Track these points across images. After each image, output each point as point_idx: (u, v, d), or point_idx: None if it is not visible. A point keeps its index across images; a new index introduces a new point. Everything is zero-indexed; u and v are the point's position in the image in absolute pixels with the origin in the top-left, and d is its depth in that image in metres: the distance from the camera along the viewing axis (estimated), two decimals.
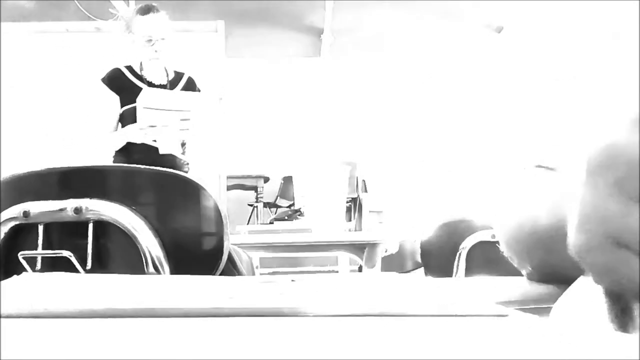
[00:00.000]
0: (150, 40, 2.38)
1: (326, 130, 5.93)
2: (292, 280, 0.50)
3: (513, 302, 0.55)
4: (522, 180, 0.60)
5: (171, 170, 1.10)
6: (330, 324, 0.31)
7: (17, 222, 0.99)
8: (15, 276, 0.50)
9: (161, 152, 2.28)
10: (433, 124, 5.87)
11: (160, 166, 2.28)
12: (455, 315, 0.34)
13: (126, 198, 1.00)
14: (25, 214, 0.98)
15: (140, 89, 2.35)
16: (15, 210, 0.99)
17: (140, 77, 2.45)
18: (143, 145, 2.28)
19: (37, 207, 0.99)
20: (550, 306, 0.52)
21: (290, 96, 5.97)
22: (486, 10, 4.98)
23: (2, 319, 0.31)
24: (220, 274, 1.01)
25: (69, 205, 0.98)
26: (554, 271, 0.46)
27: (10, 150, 4.23)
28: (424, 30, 5.44)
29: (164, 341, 0.26)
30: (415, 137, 5.88)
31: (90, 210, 0.98)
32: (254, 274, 1.38)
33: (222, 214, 1.02)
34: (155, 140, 2.28)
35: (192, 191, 1.04)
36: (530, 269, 0.58)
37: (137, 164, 2.19)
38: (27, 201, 1.00)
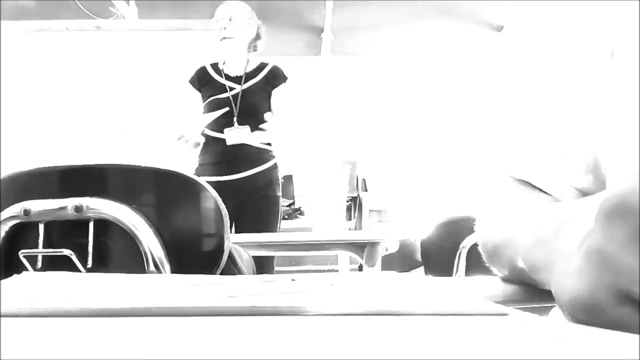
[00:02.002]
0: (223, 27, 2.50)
1: (326, 129, 5.93)
2: (292, 279, 0.50)
3: (513, 301, 0.55)
4: (505, 191, 0.60)
5: (172, 168, 1.10)
6: (331, 323, 0.31)
7: (18, 221, 0.99)
8: (15, 275, 0.50)
9: (229, 143, 2.41)
10: (433, 123, 5.87)
11: (244, 158, 2.37)
12: (456, 314, 0.34)
13: (127, 196, 1.00)
14: (26, 212, 0.98)
15: (218, 82, 2.52)
16: (16, 208, 0.99)
17: (220, 72, 2.55)
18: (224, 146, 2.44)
19: (38, 206, 0.99)
20: (550, 305, 0.51)
21: (290, 95, 5.97)
22: (486, 9, 4.98)
23: (2, 318, 0.31)
24: (221, 273, 1.01)
25: (70, 203, 0.98)
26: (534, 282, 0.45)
27: (11, 149, 4.23)
28: (424, 30, 5.43)
29: (164, 340, 0.26)
30: (416, 136, 5.88)
31: (91, 208, 0.98)
32: (254, 272, 1.38)
33: (223, 213, 1.02)
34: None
35: (193, 190, 1.04)
36: (510, 277, 0.58)
37: (222, 159, 2.39)
38: (27, 199, 1.00)
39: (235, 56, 2.54)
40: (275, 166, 2.56)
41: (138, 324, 0.31)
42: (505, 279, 0.59)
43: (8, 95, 4.42)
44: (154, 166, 1.06)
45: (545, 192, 0.57)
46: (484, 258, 0.61)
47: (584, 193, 0.56)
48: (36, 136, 4.40)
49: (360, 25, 5.38)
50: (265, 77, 2.56)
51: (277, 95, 2.55)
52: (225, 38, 2.49)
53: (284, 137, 2.55)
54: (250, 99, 2.51)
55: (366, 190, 5.21)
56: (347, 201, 4.37)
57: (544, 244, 0.42)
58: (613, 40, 0.53)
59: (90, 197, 0.99)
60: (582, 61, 0.56)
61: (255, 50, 2.64)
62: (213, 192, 1.03)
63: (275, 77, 2.57)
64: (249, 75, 2.55)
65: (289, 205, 5.09)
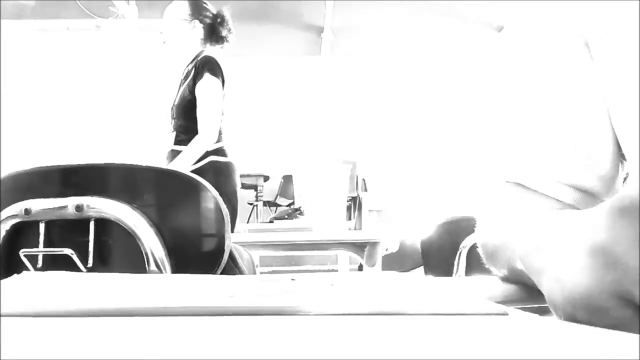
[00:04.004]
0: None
1: (326, 129, 5.93)
2: (292, 279, 0.50)
3: (513, 301, 0.55)
4: (504, 193, 0.60)
5: (172, 168, 1.10)
6: (331, 323, 0.31)
7: (18, 220, 0.99)
8: (15, 275, 0.50)
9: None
10: (433, 122, 5.87)
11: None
12: (456, 314, 0.34)
13: (128, 196, 1.00)
14: (27, 211, 0.98)
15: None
16: (17, 207, 0.99)
17: None
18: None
19: (38, 205, 0.99)
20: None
21: (290, 95, 5.97)
22: (486, 9, 4.98)
23: (2, 318, 0.31)
24: (222, 272, 1.01)
25: (70, 202, 0.98)
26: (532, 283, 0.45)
27: (11, 148, 4.23)
28: (424, 29, 5.43)
29: (164, 340, 0.26)
30: (416, 136, 5.88)
31: (92, 208, 0.98)
32: (255, 272, 1.39)
33: (224, 213, 1.02)
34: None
35: (193, 189, 1.04)
36: (509, 277, 0.58)
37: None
38: (28, 199, 1.00)
39: (180, 58, 2.44)
40: (208, 168, 2.34)
41: (139, 323, 0.31)
42: (505, 279, 0.59)
43: (8, 95, 4.42)
44: (155, 165, 1.07)
45: (543, 195, 0.57)
46: (483, 259, 0.61)
47: (587, 192, 0.56)
48: (37, 136, 4.40)
49: (360, 25, 5.38)
50: (194, 72, 2.35)
51: (197, 89, 2.32)
52: (164, 42, 2.43)
53: (205, 136, 2.30)
54: (180, 101, 2.37)
55: (366, 190, 5.21)
56: (347, 201, 4.37)
57: (542, 247, 0.42)
58: (587, 32, 0.53)
59: (91, 196, 0.99)
60: (562, 55, 0.55)
61: (216, 44, 2.48)
62: (214, 192, 1.03)
63: (200, 70, 2.33)
64: (186, 76, 2.40)
65: (288, 205, 5.09)
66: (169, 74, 2.62)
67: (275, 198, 5.57)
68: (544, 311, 0.39)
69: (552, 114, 0.56)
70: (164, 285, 0.48)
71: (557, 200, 0.56)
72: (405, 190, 5.68)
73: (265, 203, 5.45)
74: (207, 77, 2.31)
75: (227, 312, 0.33)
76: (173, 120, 2.39)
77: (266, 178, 5.42)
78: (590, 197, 0.56)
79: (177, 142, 2.35)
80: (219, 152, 2.39)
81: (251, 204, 5.38)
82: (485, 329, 0.30)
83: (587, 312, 0.33)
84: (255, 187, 5.32)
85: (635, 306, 0.31)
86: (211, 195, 1.02)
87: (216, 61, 2.36)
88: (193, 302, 0.37)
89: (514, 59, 0.61)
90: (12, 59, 4.46)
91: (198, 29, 2.42)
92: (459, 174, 5.57)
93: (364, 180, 5.25)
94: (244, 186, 5.35)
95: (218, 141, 2.38)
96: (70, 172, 1.07)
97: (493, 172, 0.62)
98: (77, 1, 4.67)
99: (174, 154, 2.34)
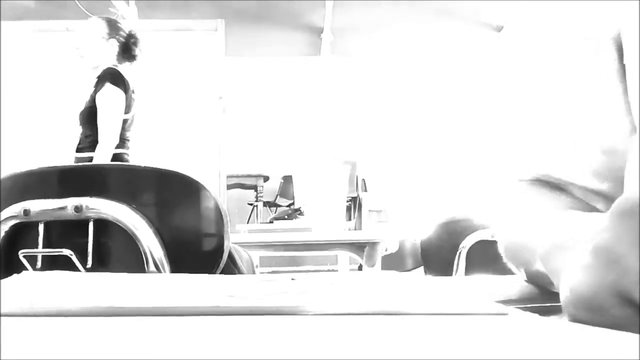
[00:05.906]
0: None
1: (326, 129, 5.93)
2: (292, 279, 0.50)
3: (513, 300, 0.55)
4: (522, 191, 0.59)
5: (172, 169, 1.10)
6: (331, 323, 0.31)
7: (18, 221, 0.99)
8: (15, 275, 0.50)
9: None
10: (433, 123, 5.87)
11: None
12: (456, 314, 0.34)
13: (127, 196, 1.00)
14: (26, 212, 0.98)
15: None
16: (16, 208, 0.99)
17: None
18: None
19: (38, 206, 0.99)
20: (550, 305, 0.51)
21: (290, 95, 5.97)
22: (486, 9, 4.98)
23: (2, 318, 0.31)
24: (221, 273, 1.01)
25: (70, 203, 0.98)
26: (551, 283, 0.45)
27: (10, 149, 4.23)
28: (424, 30, 5.43)
29: (164, 340, 0.26)
30: (415, 136, 5.88)
31: (91, 208, 0.98)
32: (254, 272, 1.39)
33: (223, 213, 1.02)
34: None
35: (192, 190, 1.04)
36: (527, 278, 0.57)
37: None
38: (27, 199, 1.00)
39: (93, 72, 2.58)
40: None
41: (138, 323, 0.31)
42: (524, 279, 0.58)
43: (8, 96, 4.42)
44: (154, 166, 1.06)
45: (562, 192, 0.56)
46: (504, 257, 0.60)
47: (601, 176, 0.55)
48: (36, 136, 4.40)
49: (360, 25, 5.38)
50: (96, 82, 2.54)
51: (98, 98, 2.52)
52: (81, 57, 2.59)
53: (104, 143, 2.47)
54: (82, 109, 2.56)
55: (366, 190, 5.20)
56: (347, 201, 4.37)
57: (563, 249, 0.42)
58: (615, 29, 0.53)
59: (90, 197, 0.99)
60: (583, 52, 0.55)
61: (128, 62, 2.66)
62: (213, 192, 1.03)
63: (101, 80, 2.53)
64: (92, 85, 2.57)
65: (288, 206, 5.09)
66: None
67: (275, 198, 5.56)
68: (544, 311, 0.39)
69: (572, 108, 0.56)
70: (163, 285, 0.48)
71: (577, 196, 0.55)
72: (405, 191, 5.67)
73: (265, 203, 5.44)
74: (108, 86, 2.48)
75: (227, 312, 0.33)
76: (80, 127, 2.57)
77: (266, 178, 5.42)
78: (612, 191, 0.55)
79: (78, 149, 2.53)
80: (119, 159, 2.51)
81: (251, 204, 5.38)
82: (485, 329, 0.30)
83: (588, 311, 0.33)
84: (255, 188, 5.31)
85: (636, 306, 0.31)
86: (210, 196, 1.02)
87: (119, 72, 2.54)
88: (192, 302, 0.37)
89: (526, 56, 0.61)
90: (11, 60, 4.46)
91: (114, 47, 2.60)
92: (459, 174, 5.57)
93: (363, 180, 5.25)
94: (244, 187, 5.36)
95: (120, 148, 2.52)
96: (69, 173, 1.07)
97: (504, 170, 0.62)
98: (77, 2, 4.66)
99: (77, 160, 2.50)
